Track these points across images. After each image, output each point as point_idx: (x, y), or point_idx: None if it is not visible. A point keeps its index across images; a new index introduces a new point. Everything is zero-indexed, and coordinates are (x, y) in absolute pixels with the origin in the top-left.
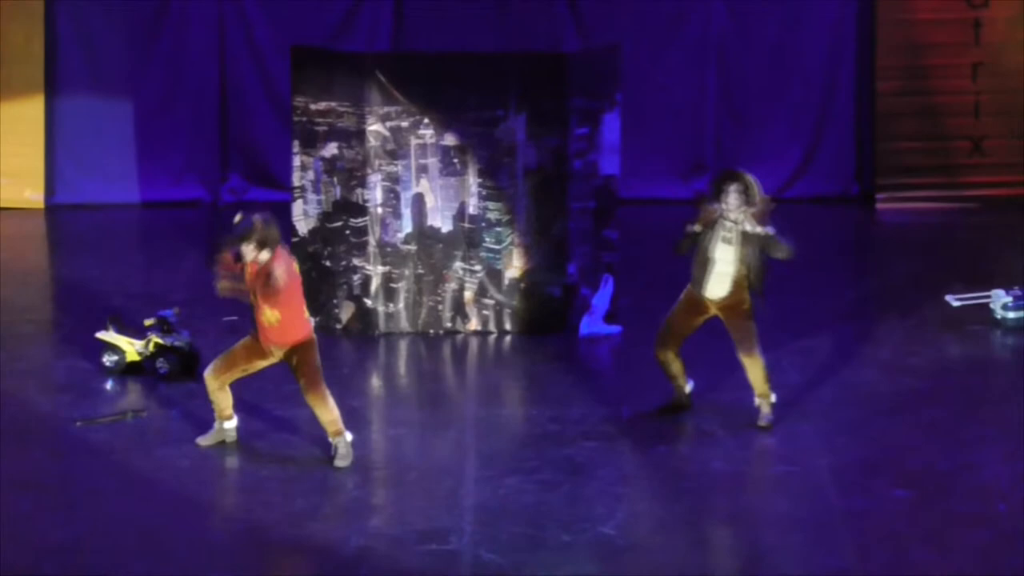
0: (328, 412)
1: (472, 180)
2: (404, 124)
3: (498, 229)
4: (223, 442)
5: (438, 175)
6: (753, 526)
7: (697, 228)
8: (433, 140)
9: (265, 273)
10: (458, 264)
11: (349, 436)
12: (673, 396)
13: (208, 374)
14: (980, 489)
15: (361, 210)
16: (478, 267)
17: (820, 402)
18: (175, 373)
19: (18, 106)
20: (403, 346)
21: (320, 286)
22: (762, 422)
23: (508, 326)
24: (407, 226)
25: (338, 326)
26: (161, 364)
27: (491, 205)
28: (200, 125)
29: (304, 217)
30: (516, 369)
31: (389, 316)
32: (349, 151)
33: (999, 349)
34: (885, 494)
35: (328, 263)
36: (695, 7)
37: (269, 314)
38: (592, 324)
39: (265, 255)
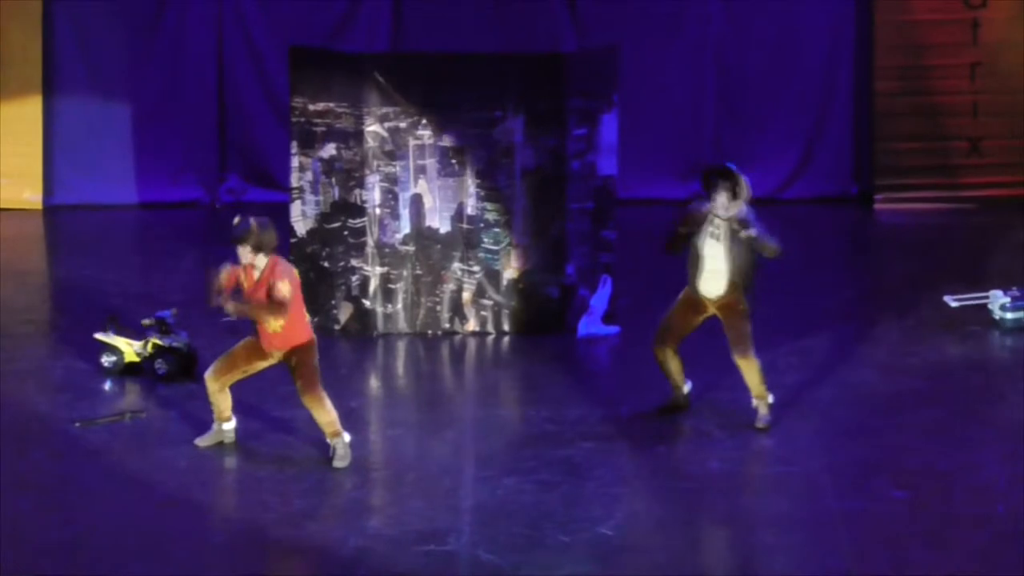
0: (325, 414)
1: (470, 181)
2: (402, 125)
3: (496, 230)
4: (221, 443)
5: (436, 176)
6: (751, 527)
7: (682, 230)
8: (431, 141)
9: (267, 286)
10: (456, 265)
11: (347, 437)
12: (671, 397)
13: (209, 376)
14: (979, 490)
15: (359, 211)
16: (476, 268)
17: (818, 403)
18: (173, 374)
19: (16, 107)
20: (401, 347)
21: (318, 287)
22: (760, 423)
23: (506, 327)
24: (405, 227)
25: (336, 327)
26: (159, 365)
27: (489, 206)
28: (198, 126)
29: (302, 218)
30: (514, 370)
31: (387, 317)
32: (347, 152)
33: (997, 349)
34: (883, 495)
35: (326, 264)
36: (694, 7)
37: (272, 322)
38: (590, 325)
39: (261, 259)
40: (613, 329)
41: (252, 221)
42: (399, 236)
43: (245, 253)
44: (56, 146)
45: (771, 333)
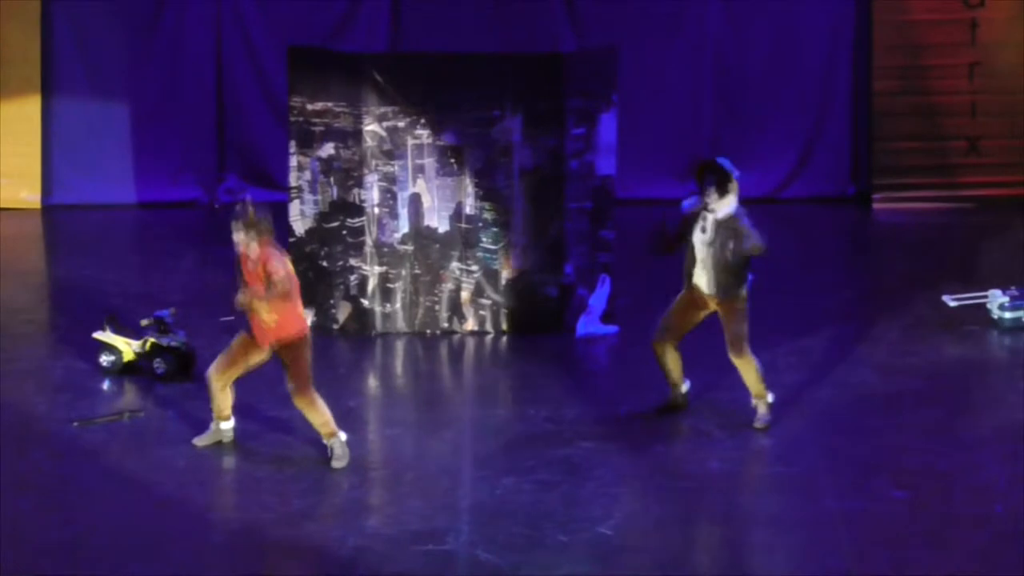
0: (319, 415)
1: (469, 180)
2: (401, 124)
3: (495, 229)
4: (220, 442)
5: (435, 175)
6: (750, 526)
7: (680, 232)
8: (430, 140)
9: (262, 274)
10: (455, 264)
11: (343, 436)
12: (670, 396)
13: (211, 373)
14: (979, 490)
15: (358, 210)
16: (475, 267)
17: (817, 402)
18: (172, 373)
19: (15, 107)
20: (400, 346)
21: (317, 286)
22: (758, 423)
23: (505, 326)
24: (404, 226)
25: (335, 326)
26: (158, 364)
27: (488, 205)
28: (197, 125)
29: (301, 217)
30: (513, 369)
31: (386, 316)
32: (346, 151)
33: (996, 349)
34: (882, 494)
35: (325, 263)
36: (693, 7)
37: (266, 315)
38: (589, 324)
39: (254, 248)
40: (612, 329)
41: (247, 201)
42: (397, 235)
43: (239, 235)
44: (55, 146)
45: (770, 333)
